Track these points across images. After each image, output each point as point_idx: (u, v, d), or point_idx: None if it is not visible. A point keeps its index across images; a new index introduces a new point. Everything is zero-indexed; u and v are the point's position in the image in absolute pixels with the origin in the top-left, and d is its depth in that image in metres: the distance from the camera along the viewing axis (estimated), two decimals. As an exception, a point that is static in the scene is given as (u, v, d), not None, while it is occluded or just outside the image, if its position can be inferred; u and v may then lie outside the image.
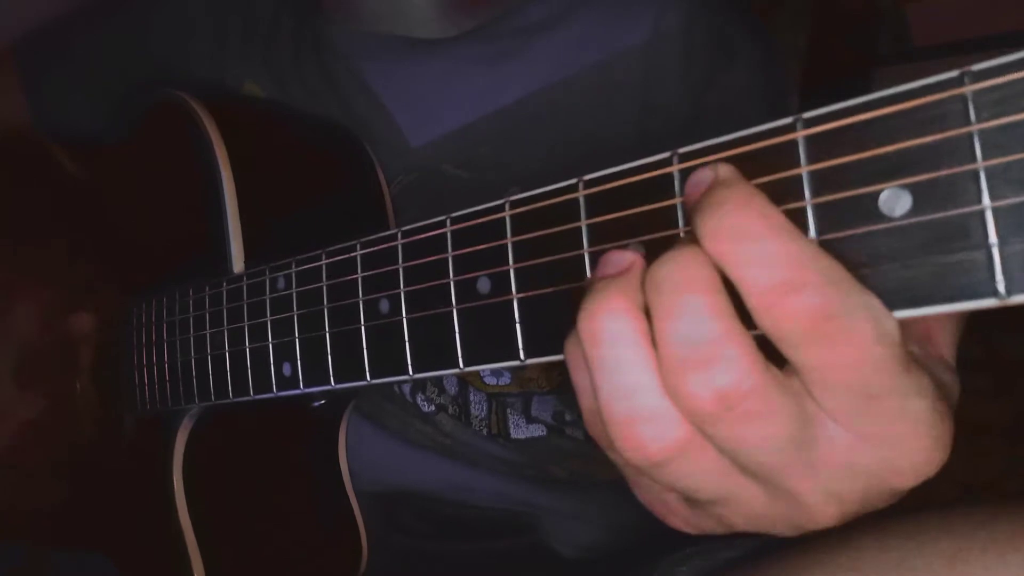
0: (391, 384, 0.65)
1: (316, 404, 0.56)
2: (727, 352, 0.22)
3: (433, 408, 0.67)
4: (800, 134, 0.22)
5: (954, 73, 0.20)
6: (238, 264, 0.50)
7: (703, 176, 0.24)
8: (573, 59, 0.61)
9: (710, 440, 0.23)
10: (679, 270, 0.22)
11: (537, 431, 0.67)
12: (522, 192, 0.56)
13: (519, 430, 0.67)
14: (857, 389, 0.22)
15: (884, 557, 0.29)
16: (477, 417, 0.66)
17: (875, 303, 0.21)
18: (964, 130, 0.19)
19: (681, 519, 0.29)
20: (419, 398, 0.67)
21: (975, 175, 0.19)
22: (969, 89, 0.19)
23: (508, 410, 0.66)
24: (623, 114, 0.60)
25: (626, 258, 0.25)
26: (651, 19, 0.59)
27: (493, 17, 0.62)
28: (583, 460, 0.68)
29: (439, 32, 0.63)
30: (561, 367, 0.64)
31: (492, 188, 0.61)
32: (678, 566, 0.53)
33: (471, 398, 0.66)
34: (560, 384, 0.65)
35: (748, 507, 0.26)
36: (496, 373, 0.65)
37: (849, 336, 0.21)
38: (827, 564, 0.31)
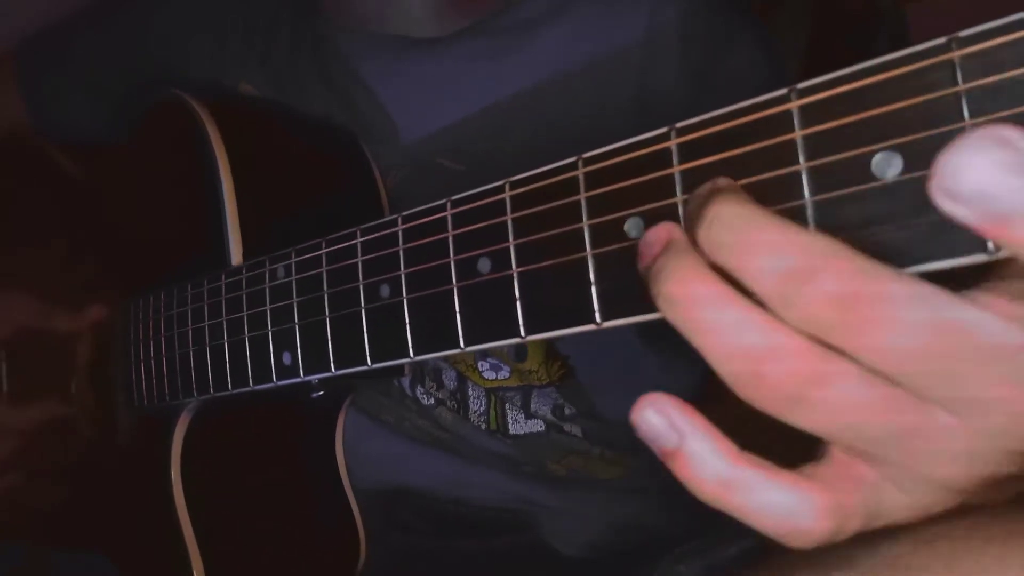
0: (391, 378, 0.66)
1: (315, 395, 0.56)
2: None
3: (432, 401, 0.67)
4: (795, 104, 0.23)
5: (941, 40, 0.20)
6: (236, 258, 0.51)
7: (701, 190, 0.25)
8: (569, 55, 0.61)
9: (845, 357, 0.22)
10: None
11: (536, 427, 0.67)
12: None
13: (517, 426, 0.67)
14: (931, 372, 0.21)
15: (880, 558, 0.28)
16: (475, 412, 0.67)
17: (915, 284, 0.20)
18: (952, 90, 0.20)
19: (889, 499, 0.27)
20: (418, 391, 0.67)
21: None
22: (957, 55, 0.20)
23: (507, 405, 0.66)
24: (620, 110, 0.60)
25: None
26: (647, 14, 0.60)
27: (488, 14, 0.63)
28: (582, 457, 0.68)
29: (435, 31, 0.63)
30: (561, 361, 0.64)
31: (488, 180, 0.61)
32: (678, 564, 0.53)
33: (469, 393, 0.66)
34: (560, 377, 0.65)
35: (942, 442, 0.23)
36: (495, 367, 0.65)
37: (886, 316, 0.20)
38: (825, 564, 0.31)
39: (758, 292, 0.22)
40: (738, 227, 0.22)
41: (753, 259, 0.22)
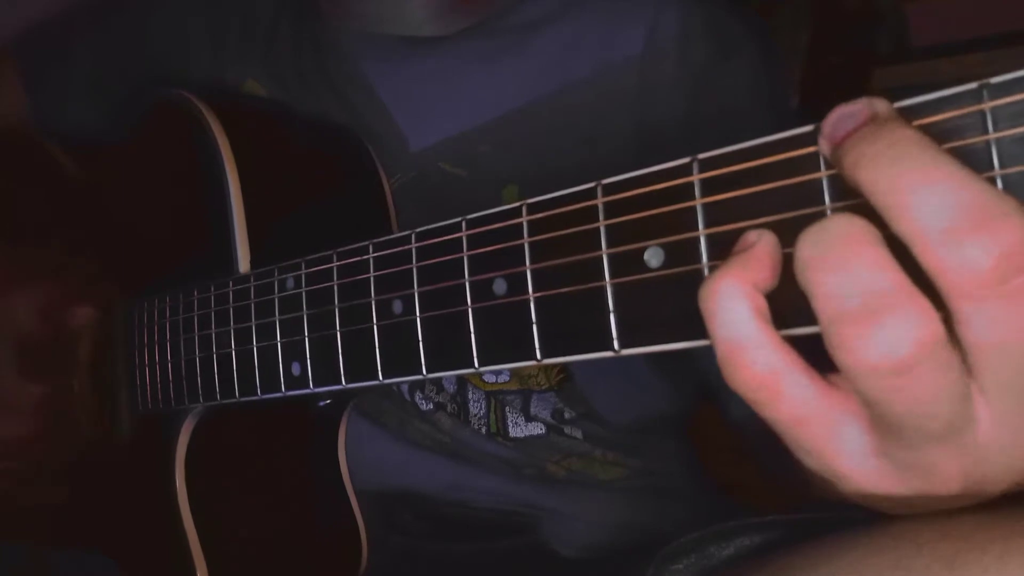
0: (392, 383, 0.66)
1: (322, 404, 0.56)
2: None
3: (432, 406, 0.67)
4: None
5: (973, 85, 0.20)
6: (244, 264, 0.50)
7: (852, 111, 0.23)
8: (570, 59, 0.61)
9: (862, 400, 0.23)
10: (834, 228, 0.22)
11: (536, 429, 0.67)
12: (519, 190, 0.56)
13: (518, 428, 0.67)
14: None
15: (882, 558, 0.29)
16: (476, 416, 0.67)
17: None
18: (982, 138, 0.20)
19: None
20: (417, 396, 0.67)
21: (991, 182, 0.20)
22: (988, 106, 0.20)
23: (507, 408, 0.66)
24: (621, 120, 0.60)
25: (749, 237, 0.25)
26: (648, 21, 0.60)
27: (490, 15, 0.63)
28: (583, 459, 0.69)
29: (436, 31, 0.63)
30: (561, 366, 0.65)
31: (489, 186, 0.61)
32: (672, 563, 0.53)
33: (469, 396, 0.66)
34: (559, 382, 0.65)
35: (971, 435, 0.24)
36: (495, 371, 0.65)
37: None
38: (825, 564, 0.31)
39: (906, 230, 0.21)
40: (917, 155, 0.21)
41: (923, 194, 0.20)
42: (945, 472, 0.24)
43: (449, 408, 0.67)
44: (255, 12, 0.68)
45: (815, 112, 0.24)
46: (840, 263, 0.21)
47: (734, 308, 0.24)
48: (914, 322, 0.21)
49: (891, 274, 0.21)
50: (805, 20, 1.24)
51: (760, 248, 0.24)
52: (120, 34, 0.71)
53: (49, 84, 0.72)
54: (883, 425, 0.24)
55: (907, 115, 0.22)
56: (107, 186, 0.64)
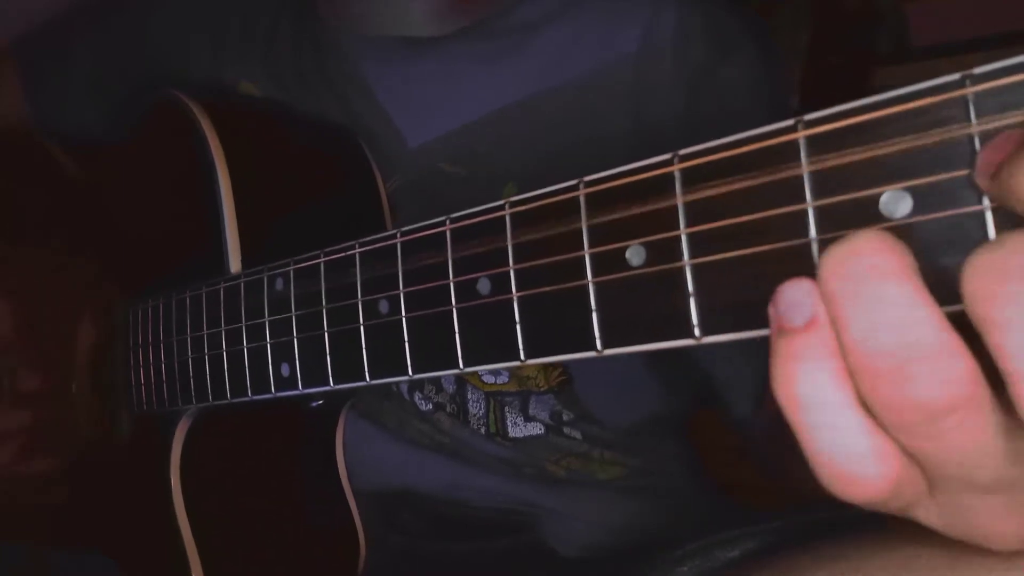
0: (389, 383, 0.66)
1: (314, 404, 0.56)
2: (938, 355, 0.19)
3: (431, 407, 0.67)
4: (801, 135, 0.22)
5: (955, 76, 0.20)
6: (235, 265, 0.50)
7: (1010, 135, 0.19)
8: (569, 59, 0.61)
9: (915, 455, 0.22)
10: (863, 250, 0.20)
11: (535, 429, 0.67)
12: (517, 188, 0.56)
13: (517, 429, 0.67)
14: None
15: (887, 557, 0.29)
16: (475, 416, 0.66)
17: None
18: (965, 130, 0.20)
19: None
20: (417, 397, 0.67)
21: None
22: (970, 91, 0.19)
23: (506, 408, 0.66)
24: (619, 118, 0.60)
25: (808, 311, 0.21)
26: (646, 20, 0.59)
27: (488, 15, 0.63)
28: (582, 459, 0.68)
29: (434, 31, 0.63)
30: (560, 369, 0.64)
31: (488, 185, 0.61)
32: (678, 566, 0.53)
33: (469, 396, 0.66)
34: (558, 384, 0.65)
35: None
36: (494, 372, 0.65)
37: None
38: (829, 564, 0.31)
39: None
40: None
41: None
42: (993, 522, 0.24)
43: (448, 408, 0.66)
44: (255, 12, 0.68)
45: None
46: (870, 297, 0.20)
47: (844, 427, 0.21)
48: (949, 372, 0.20)
49: (928, 313, 0.20)
50: (805, 20, 1.24)
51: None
52: (120, 34, 0.71)
53: (49, 84, 0.73)
54: (927, 469, 0.23)
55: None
56: (107, 186, 0.64)
